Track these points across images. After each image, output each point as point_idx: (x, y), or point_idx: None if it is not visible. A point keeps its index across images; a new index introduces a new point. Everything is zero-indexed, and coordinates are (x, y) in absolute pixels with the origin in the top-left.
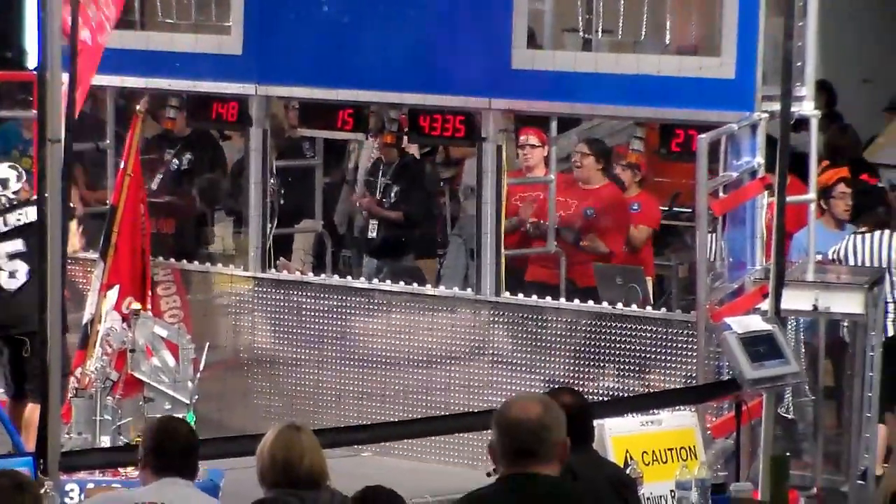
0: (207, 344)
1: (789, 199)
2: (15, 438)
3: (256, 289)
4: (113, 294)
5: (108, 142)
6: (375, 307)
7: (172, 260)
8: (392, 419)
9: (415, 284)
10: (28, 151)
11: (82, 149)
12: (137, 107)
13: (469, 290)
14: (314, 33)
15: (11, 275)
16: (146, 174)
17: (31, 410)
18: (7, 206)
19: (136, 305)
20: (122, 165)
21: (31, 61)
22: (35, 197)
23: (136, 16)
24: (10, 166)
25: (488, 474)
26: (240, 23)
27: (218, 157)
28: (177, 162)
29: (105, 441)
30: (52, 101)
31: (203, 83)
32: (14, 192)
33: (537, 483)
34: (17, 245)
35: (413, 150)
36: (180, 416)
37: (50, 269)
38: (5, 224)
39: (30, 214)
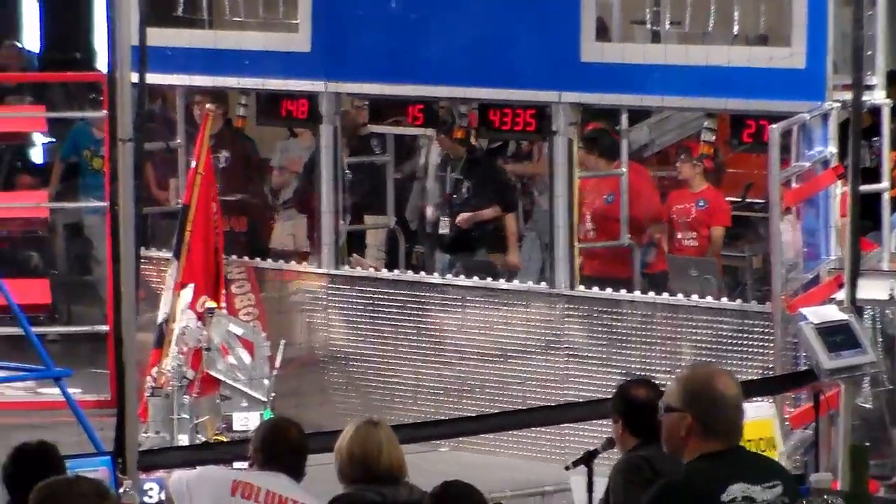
0: (283, 341)
1: (861, 188)
2: (93, 437)
3: (330, 285)
4: (187, 293)
5: (178, 141)
6: (450, 302)
7: (246, 258)
8: (468, 414)
9: (489, 279)
10: (100, 151)
11: (153, 148)
12: (207, 105)
13: (543, 283)
14: (382, 29)
15: None
16: None
17: None
18: None
19: (211, 304)
20: (193, 164)
21: (100, 62)
22: None
23: (204, 14)
24: None
25: (567, 468)
26: (308, 20)
27: (250, 150)
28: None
29: (183, 439)
30: (122, 101)
31: (272, 81)
32: None
33: (754, 456)
34: None
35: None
36: (258, 413)
37: (123, 268)
38: None
39: None
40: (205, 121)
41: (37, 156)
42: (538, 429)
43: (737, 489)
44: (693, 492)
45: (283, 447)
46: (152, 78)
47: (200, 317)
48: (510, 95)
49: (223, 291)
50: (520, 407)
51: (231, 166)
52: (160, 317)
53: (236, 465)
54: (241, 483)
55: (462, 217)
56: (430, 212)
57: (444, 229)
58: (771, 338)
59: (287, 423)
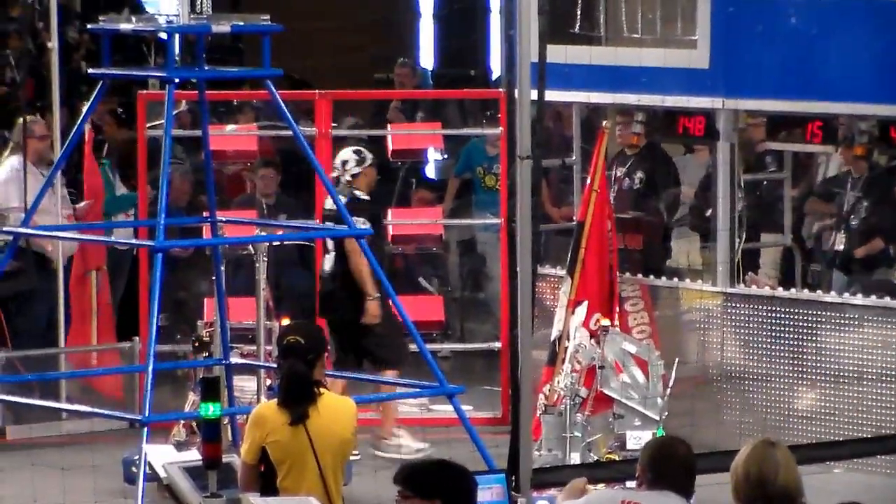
0: (676, 360)
1: None
2: (485, 454)
3: (725, 304)
4: (581, 310)
5: (573, 158)
6: (847, 322)
7: (640, 276)
8: (864, 435)
9: (887, 298)
10: (492, 168)
11: (548, 165)
12: (603, 122)
13: None
14: (781, 45)
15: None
16: None
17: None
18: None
19: (605, 322)
20: (588, 181)
21: (495, 79)
22: None
23: (601, 31)
24: (354, 150)
25: None
26: (706, 36)
27: (671, 172)
28: (629, 180)
29: (575, 458)
30: (521, 119)
31: (669, 97)
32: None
33: None
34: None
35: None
36: (651, 432)
37: (520, 284)
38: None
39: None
40: (600, 138)
41: (430, 172)
42: None
43: None
44: None
45: (671, 466)
46: (549, 95)
47: (594, 334)
48: None
49: (616, 309)
50: None
51: (646, 187)
52: (553, 334)
53: (629, 483)
54: (630, 503)
55: (859, 251)
56: (826, 230)
57: (839, 246)
58: None
59: (675, 441)
